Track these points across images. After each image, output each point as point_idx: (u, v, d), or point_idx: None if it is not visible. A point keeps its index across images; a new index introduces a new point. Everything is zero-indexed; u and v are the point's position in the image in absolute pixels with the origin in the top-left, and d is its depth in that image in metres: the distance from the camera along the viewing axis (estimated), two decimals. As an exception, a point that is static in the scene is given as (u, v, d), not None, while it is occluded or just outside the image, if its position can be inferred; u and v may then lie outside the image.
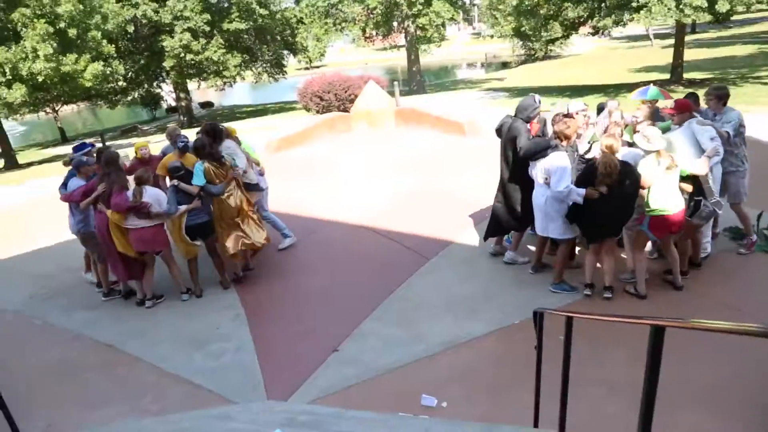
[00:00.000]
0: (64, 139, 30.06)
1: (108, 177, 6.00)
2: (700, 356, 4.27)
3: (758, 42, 30.92)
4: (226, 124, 7.79)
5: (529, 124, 5.86)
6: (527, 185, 5.84)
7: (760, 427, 3.66)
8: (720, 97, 5.75)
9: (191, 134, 7.81)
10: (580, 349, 3.05)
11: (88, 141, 7.46)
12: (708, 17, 15.48)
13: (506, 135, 5.92)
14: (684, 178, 5.11)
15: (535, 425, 3.52)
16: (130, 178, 6.18)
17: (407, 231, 7.55)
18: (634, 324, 2.17)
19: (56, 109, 27.40)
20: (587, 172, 5.20)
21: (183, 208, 6.05)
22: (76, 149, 7.28)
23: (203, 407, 4.38)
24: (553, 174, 5.24)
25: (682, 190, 5.10)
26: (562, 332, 2.89)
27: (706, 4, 14.68)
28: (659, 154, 4.95)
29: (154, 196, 5.99)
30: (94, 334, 5.85)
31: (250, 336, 5.46)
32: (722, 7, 14.80)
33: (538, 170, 5.46)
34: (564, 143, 5.39)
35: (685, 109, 5.55)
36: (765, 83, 16.60)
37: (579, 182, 5.22)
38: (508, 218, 6.19)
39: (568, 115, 5.83)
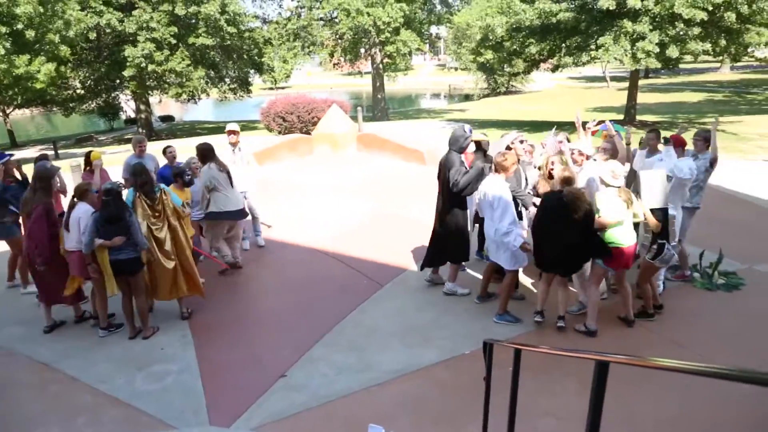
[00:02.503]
0: (13, 144, 28.93)
1: (33, 194, 5.66)
2: (647, 392, 4.35)
3: (705, 90, 32.67)
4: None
5: (463, 155, 5.99)
6: (461, 218, 5.98)
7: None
8: (706, 139, 6.23)
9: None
10: (530, 379, 3.08)
11: (7, 153, 7.15)
12: (658, 64, 16.25)
13: (444, 167, 6.00)
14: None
15: (482, 457, 3.50)
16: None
17: (363, 256, 7.51)
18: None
19: (7, 111, 26.45)
20: (549, 208, 5.25)
21: (98, 242, 5.21)
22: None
23: (140, 432, 4.18)
24: (496, 207, 5.36)
25: (648, 224, 5.26)
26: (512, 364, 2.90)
27: (657, 50, 15.45)
28: (621, 191, 5.10)
29: (77, 218, 5.38)
30: (29, 351, 5.53)
31: (195, 358, 5.26)
32: (672, 53, 15.60)
33: (479, 199, 5.56)
34: (502, 175, 5.52)
35: (681, 145, 6.13)
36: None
37: (537, 219, 5.34)
38: (441, 250, 6.25)
39: (508, 148, 6.06)
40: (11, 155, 7.05)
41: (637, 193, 5.39)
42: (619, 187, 5.12)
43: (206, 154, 6.80)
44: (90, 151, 7.24)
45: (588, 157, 6.05)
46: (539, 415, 4.17)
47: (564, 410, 4.23)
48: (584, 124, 7.08)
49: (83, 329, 5.92)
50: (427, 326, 5.68)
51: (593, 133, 7.15)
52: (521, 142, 6.58)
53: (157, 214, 5.60)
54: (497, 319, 5.65)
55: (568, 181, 5.17)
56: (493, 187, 5.46)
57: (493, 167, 5.65)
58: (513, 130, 6.82)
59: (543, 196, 5.50)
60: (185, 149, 8.69)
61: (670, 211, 5.49)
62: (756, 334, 5.30)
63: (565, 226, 5.05)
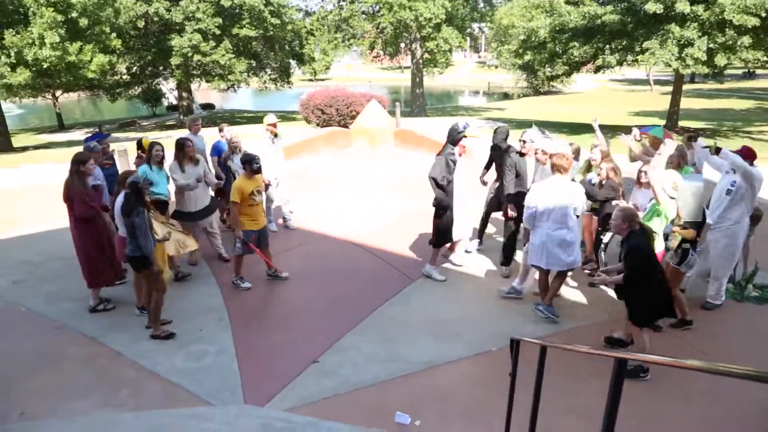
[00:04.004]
0: (61, 126, 30.02)
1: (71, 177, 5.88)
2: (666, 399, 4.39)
3: (754, 98, 31.62)
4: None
5: (458, 146, 6.37)
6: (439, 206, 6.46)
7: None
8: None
9: (176, 135, 7.91)
10: (555, 378, 3.17)
11: (104, 132, 7.42)
12: (706, 70, 15.87)
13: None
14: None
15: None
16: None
17: (396, 251, 7.67)
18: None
19: (56, 95, 27.45)
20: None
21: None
22: (91, 138, 7.20)
23: (180, 407, 4.42)
24: (573, 214, 5.68)
25: (683, 237, 5.26)
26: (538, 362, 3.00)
27: (705, 58, 15.08)
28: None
29: (119, 206, 5.45)
30: (77, 325, 5.87)
31: (232, 340, 5.51)
32: (720, 61, 15.20)
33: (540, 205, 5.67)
34: (565, 175, 5.59)
35: (752, 157, 5.82)
36: (754, 138, 16.99)
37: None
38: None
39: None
40: (108, 134, 7.39)
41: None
42: (675, 198, 5.12)
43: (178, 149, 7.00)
44: (141, 138, 7.55)
45: (552, 156, 5.94)
46: (561, 413, 4.25)
47: (586, 409, 4.30)
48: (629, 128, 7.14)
49: (128, 307, 6.23)
50: (456, 321, 5.81)
51: (641, 135, 7.19)
52: (528, 141, 6.70)
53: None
54: (543, 310, 5.73)
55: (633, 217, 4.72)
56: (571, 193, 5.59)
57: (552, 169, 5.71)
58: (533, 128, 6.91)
59: (632, 243, 4.65)
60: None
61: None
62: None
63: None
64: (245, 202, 6.33)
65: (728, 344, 5.38)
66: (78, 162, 5.82)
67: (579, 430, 4.11)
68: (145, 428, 3.73)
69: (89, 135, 7.64)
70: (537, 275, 6.10)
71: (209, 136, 9.29)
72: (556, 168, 5.58)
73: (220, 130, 8.72)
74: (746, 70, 39.24)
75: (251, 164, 6.40)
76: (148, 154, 6.76)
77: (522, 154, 6.69)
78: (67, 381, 4.92)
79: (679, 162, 6.05)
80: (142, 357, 5.23)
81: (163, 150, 6.79)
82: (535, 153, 6.32)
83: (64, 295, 6.56)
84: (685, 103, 22.35)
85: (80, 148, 6.67)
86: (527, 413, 3.18)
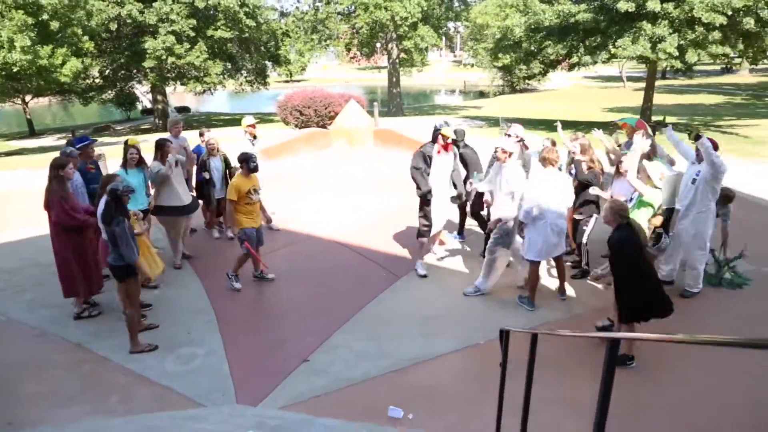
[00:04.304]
0: (32, 132, 29.38)
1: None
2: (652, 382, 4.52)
3: (723, 93, 32.43)
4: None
5: (437, 144, 6.62)
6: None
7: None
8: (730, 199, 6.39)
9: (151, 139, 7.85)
10: (542, 369, 3.24)
11: (89, 138, 7.24)
12: (679, 64, 16.25)
13: None
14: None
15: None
16: None
17: (381, 249, 7.73)
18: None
19: (26, 100, 26.88)
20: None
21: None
22: (77, 141, 7.01)
23: (172, 410, 4.41)
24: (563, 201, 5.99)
25: (651, 224, 5.45)
26: (527, 353, 3.07)
27: (676, 53, 15.45)
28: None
29: (101, 211, 5.29)
30: (61, 332, 5.79)
31: (221, 342, 5.50)
32: (691, 57, 15.61)
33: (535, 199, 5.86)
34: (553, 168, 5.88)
35: (714, 147, 5.93)
36: (725, 132, 17.46)
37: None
38: None
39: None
40: (94, 140, 7.19)
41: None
42: (660, 189, 5.26)
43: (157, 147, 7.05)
44: (127, 140, 7.43)
45: (510, 154, 6.13)
46: (549, 402, 4.33)
47: (574, 398, 4.40)
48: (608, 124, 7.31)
49: (112, 312, 6.15)
50: (442, 317, 5.88)
51: (623, 126, 7.52)
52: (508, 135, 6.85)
53: None
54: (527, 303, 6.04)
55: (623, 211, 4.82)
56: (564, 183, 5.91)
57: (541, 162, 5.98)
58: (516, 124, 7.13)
59: (618, 236, 4.74)
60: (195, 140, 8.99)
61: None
62: (754, 334, 5.41)
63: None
64: (242, 200, 6.33)
65: (703, 329, 5.53)
66: (57, 167, 5.71)
67: (566, 417, 4.21)
68: (139, 431, 3.72)
69: (72, 139, 7.49)
70: (524, 270, 6.24)
71: (190, 140, 9.22)
72: (547, 161, 5.82)
73: (201, 135, 8.73)
74: (724, 66, 40.24)
75: (248, 163, 6.38)
76: (124, 157, 6.72)
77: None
78: (53, 389, 4.85)
79: (649, 154, 6.24)
80: (130, 362, 5.19)
81: (138, 152, 6.75)
82: (495, 150, 6.45)
83: (45, 303, 6.44)
84: (658, 98, 22.83)
85: (56, 154, 6.55)
86: (515, 402, 3.25)
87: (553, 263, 6.52)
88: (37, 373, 5.08)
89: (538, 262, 5.99)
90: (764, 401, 4.43)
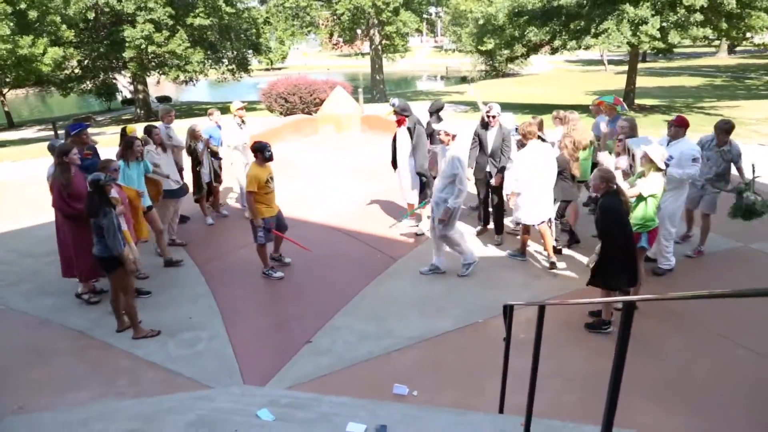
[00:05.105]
0: (11, 125, 28.84)
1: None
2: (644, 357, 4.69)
3: (703, 75, 32.88)
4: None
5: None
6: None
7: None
8: (728, 131, 6.45)
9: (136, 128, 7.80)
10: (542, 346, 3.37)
11: (84, 123, 7.00)
12: (663, 45, 16.47)
13: None
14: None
15: (501, 412, 3.82)
16: None
17: (376, 233, 7.82)
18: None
19: (3, 92, 26.35)
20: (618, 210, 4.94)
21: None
22: (72, 126, 6.86)
23: (181, 392, 4.48)
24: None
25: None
26: (525, 331, 3.19)
27: (659, 35, 15.67)
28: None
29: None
30: (62, 320, 5.82)
31: (223, 326, 5.57)
32: (674, 38, 15.84)
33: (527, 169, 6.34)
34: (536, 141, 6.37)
35: (684, 125, 6.20)
36: (707, 113, 17.76)
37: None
38: None
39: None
40: (88, 125, 6.94)
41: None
42: (663, 170, 5.31)
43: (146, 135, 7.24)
44: (125, 127, 7.37)
45: (454, 137, 6.42)
46: (546, 377, 4.47)
47: (570, 372, 4.57)
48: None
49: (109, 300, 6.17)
50: (441, 297, 6.01)
51: (600, 104, 7.85)
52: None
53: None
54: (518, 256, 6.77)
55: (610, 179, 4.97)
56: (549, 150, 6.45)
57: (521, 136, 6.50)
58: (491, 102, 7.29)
59: (606, 201, 4.92)
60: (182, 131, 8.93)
61: None
62: (751, 308, 5.60)
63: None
64: (261, 189, 6.24)
65: (699, 306, 5.71)
66: (61, 153, 5.70)
67: (565, 388, 4.37)
68: (152, 411, 3.79)
69: (70, 123, 7.37)
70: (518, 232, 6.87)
71: (178, 129, 9.16)
72: (530, 135, 6.31)
73: (210, 115, 9.00)
74: (715, 48, 40.90)
75: (263, 152, 6.27)
76: (127, 150, 6.42)
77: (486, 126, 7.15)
78: (61, 374, 4.91)
79: (630, 135, 6.35)
80: (134, 347, 5.25)
81: (142, 144, 6.66)
82: (438, 134, 6.58)
83: (43, 291, 6.47)
84: (639, 81, 23.08)
85: (36, 146, 6.49)
86: (518, 376, 3.37)
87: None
88: (43, 359, 5.13)
89: (529, 226, 6.57)
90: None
